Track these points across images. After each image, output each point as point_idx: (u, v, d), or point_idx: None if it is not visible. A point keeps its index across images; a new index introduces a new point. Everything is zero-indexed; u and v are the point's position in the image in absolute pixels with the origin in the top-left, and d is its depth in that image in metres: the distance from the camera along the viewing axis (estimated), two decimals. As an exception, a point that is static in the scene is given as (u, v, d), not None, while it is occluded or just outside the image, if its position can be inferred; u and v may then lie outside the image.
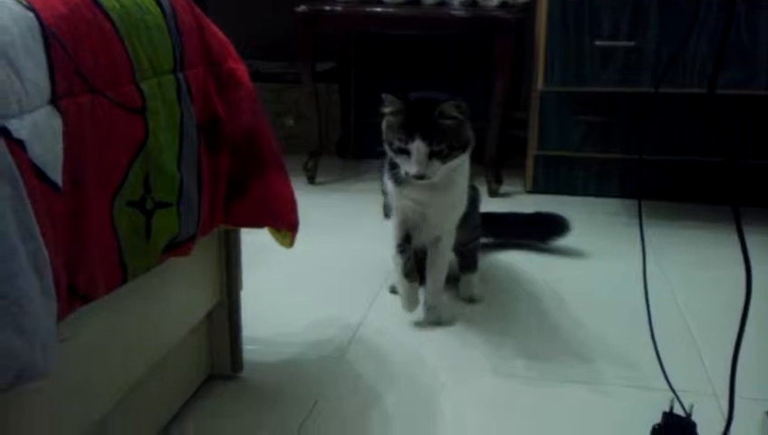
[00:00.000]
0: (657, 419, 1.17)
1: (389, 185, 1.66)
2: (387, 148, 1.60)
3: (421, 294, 1.74)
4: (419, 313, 1.73)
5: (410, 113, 1.55)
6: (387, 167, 1.65)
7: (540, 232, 2.16)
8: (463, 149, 1.59)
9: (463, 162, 1.63)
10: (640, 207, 1.19)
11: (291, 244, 1.36)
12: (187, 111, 1.08)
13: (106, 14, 0.94)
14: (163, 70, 1.04)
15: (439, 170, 1.55)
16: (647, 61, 2.31)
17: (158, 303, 1.17)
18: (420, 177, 1.54)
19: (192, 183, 1.10)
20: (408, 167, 1.55)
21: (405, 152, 1.54)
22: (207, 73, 1.16)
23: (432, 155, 1.53)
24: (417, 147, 1.52)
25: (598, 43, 2.33)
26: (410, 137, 1.52)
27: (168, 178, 1.03)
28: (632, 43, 2.31)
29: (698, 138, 2.57)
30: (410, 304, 1.69)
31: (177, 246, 1.08)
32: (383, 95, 1.58)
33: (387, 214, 1.76)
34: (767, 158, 2.55)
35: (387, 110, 1.59)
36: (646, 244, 1.21)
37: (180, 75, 1.08)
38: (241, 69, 1.21)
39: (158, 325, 1.18)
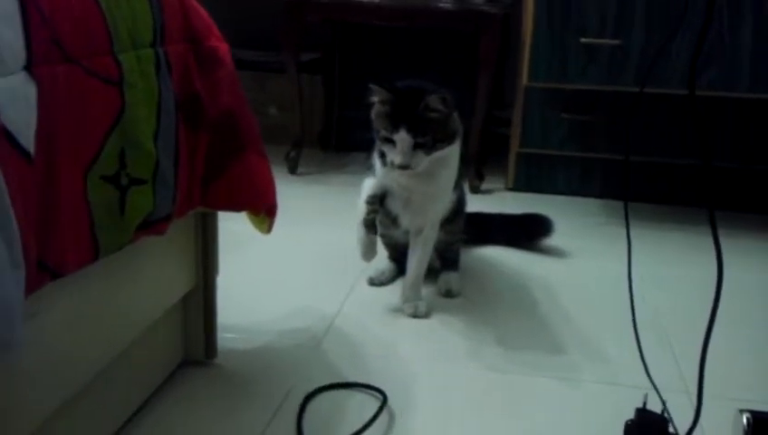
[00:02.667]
0: (631, 414, 1.17)
1: (378, 164, 1.66)
2: (375, 135, 1.60)
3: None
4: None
5: (396, 104, 1.55)
6: (377, 147, 1.65)
7: (525, 234, 2.16)
8: (448, 141, 1.58)
9: (452, 153, 1.63)
10: (626, 207, 1.19)
11: (269, 229, 1.35)
12: (166, 87, 1.06)
13: (85, -17, 0.92)
14: (143, 43, 1.02)
15: (423, 161, 1.55)
16: (632, 59, 2.32)
17: (131, 283, 1.14)
18: (404, 167, 1.54)
19: (168, 161, 1.07)
20: (393, 156, 1.55)
21: (390, 141, 1.55)
22: (188, 50, 1.13)
23: (416, 146, 1.53)
24: (402, 138, 1.52)
25: (583, 40, 2.34)
26: (395, 127, 1.53)
27: (144, 154, 1.01)
28: (618, 42, 2.31)
29: (680, 139, 2.58)
30: (366, 253, 1.68)
31: (152, 225, 1.06)
32: (370, 85, 1.57)
33: (368, 175, 1.73)
34: (749, 161, 2.57)
35: (374, 99, 1.59)
36: (624, 244, 1.21)
37: (160, 50, 1.06)
38: (223, 48, 1.19)
39: (132, 306, 1.16)
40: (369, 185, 1.69)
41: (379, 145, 1.62)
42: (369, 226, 1.67)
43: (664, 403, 1.13)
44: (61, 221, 0.86)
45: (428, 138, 1.54)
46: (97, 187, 0.93)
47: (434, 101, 1.53)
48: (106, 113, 0.94)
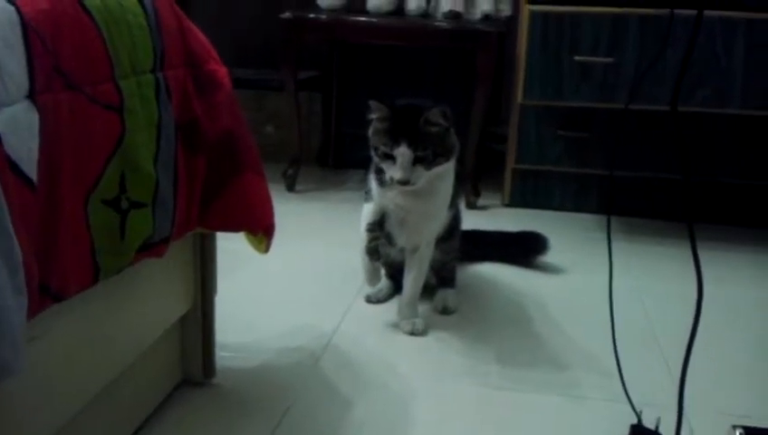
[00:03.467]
0: (626, 431, 1.18)
1: (374, 186, 1.68)
2: (373, 153, 1.62)
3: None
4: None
5: (396, 119, 1.57)
6: (373, 168, 1.67)
7: (521, 251, 2.17)
8: (447, 156, 1.60)
9: (448, 171, 1.65)
10: (609, 222, 1.20)
11: (266, 249, 1.36)
12: (166, 112, 1.08)
13: (87, 11, 0.94)
14: (143, 69, 1.03)
15: (423, 176, 1.57)
16: (625, 77, 2.34)
17: (130, 305, 1.15)
18: (405, 182, 1.55)
19: (168, 184, 1.09)
20: (393, 172, 1.56)
21: (390, 157, 1.56)
22: (187, 74, 1.15)
23: (416, 161, 1.55)
24: (402, 152, 1.54)
25: (577, 58, 2.36)
26: (396, 142, 1.54)
27: (144, 178, 1.03)
28: (611, 60, 2.34)
29: (672, 155, 2.60)
30: (371, 279, 1.73)
31: (151, 247, 1.07)
32: (370, 102, 1.59)
33: (366, 199, 1.75)
34: (744, 176, 2.59)
35: (373, 116, 1.60)
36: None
37: (160, 75, 1.07)
38: (221, 71, 1.21)
39: (130, 328, 1.17)
40: (367, 212, 1.71)
41: (376, 164, 1.63)
42: (372, 253, 1.69)
43: (658, 419, 1.15)
44: (62, 246, 0.87)
45: (429, 152, 1.55)
46: (98, 211, 0.95)
47: (434, 114, 1.55)
48: (107, 139, 0.96)
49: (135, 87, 1.01)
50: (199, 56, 1.19)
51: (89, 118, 0.91)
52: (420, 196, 1.62)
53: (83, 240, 0.92)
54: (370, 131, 1.62)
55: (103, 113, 0.94)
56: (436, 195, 1.66)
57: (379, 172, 1.63)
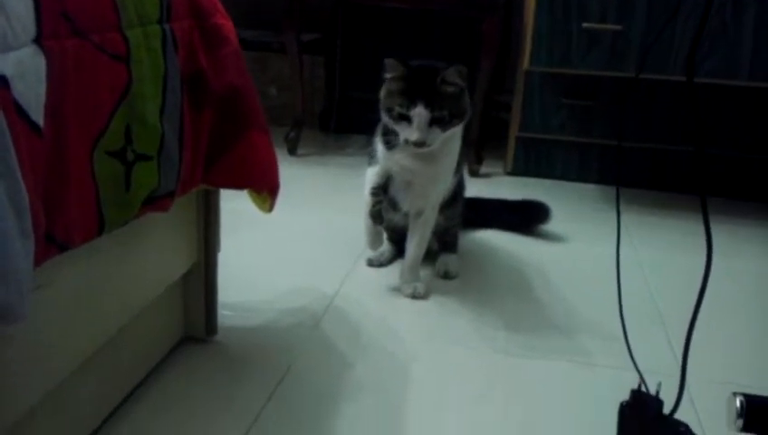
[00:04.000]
0: (626, 396, 1.19)
1: (380, 149, 1.65)
2: (385, 115, 1.58)
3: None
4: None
5: (412, 79, 1.54)
6: (380, 131, 1.65)
7: (523, 220, 2.17)
8: (461, 117, 1.58)
9: (456, 134, 1.63)
10: (618, 192, 1.20)
11: (270, 208, 1.35)
12: (172, 64, 1.06)
13: (94, -42, 0.92)
14: (149, 19, 1.02)
15: (439, 138, 1.55)
16: (633, 45, 2.32)
17: (134, 258, 1.15)
18: (421, 143, 1.53)
19: (173, 138, 1.08)
20: (409, 133, 1.53)
21: (405, 118, 1.53)
22: (194, 26, 1.13)
23: (433, 122, 1.52)
24: (419, 113, 1.51)
25: (585, 25, 2.33)
26: (412, 102, 1.52)
27: (150, 130, 1.01)
28: (620, 27, 2.31)
29: (679, 126, 2.59)
30: (373, 242, 1.71)
31: (156, 201, 1.07)
32: (385, 60, 1.56)
33: (370, 163, 1.73)
34: (750, 150, 2.58)
35: (388, 75, 1.58)
36: (623, 230, 1.22)
37: (167, 26, 1.06)
38: (228, 25, 1.19)
39: (134, 281, 1.17)
40: (371, 175, 1.69)
41: (385, 126, 1.61)
42: (376, 216, 1.67)
43: (659, 385, 1.15)
44: (68, 195, 0.87)
45: (445, 112, 1.53)
46: (103, 162, 0.94)
47: (451, 74, 1.53)
48: (113, 89, 0.94)
49: (141, 37, 0.99)
50: (206, 9, 1.17)
51: (95, 67, 0.90)
52: (428, 158, 1.61)
53: (89, 190, 0.91)
54: (383, 92, 1.59)
55: (110, 63, 0.93)
56: (445, 157, 1.64)
57: (387, 134, 1.61)
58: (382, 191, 1.69)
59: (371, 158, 1.71)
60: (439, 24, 3.06)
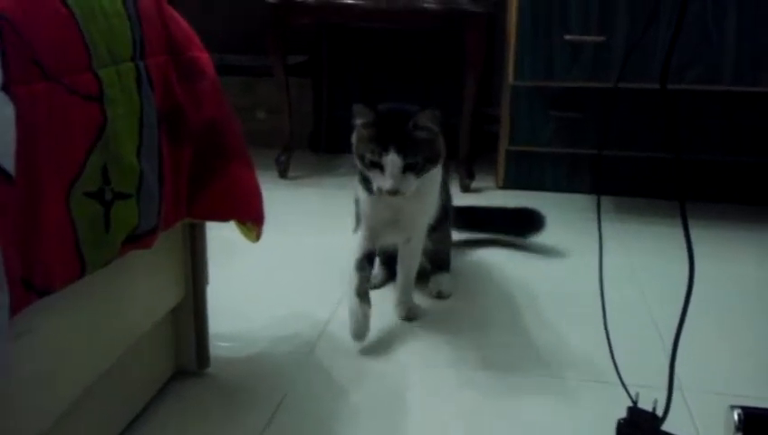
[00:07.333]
0: (623, 413, 1.18)
1: (361, 193, 1.62)
2: (358, 162, 1.53)
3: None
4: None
5: (383, 124, 1.48)
6: (359, 177, 1.61)
7: (518, 227, 2.16)
8: (436, 162, 1.53)
9: (436, 170, 1.59)
10: (599, 201, 1.19)
11: (257, 238, 1.34)
12: (148, 101, 1.06)
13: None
14: (122, 57, 1.01)
15: (413, 185, 1.48)
16: (616, 56, 2.32)
17: (120, 297, 1.14)
18: (394, 192, 1.47)
19: (153, 174, 1.07)
20: (382, 181, 1.47)
21: (378, 166, 1.47)
22: (169, 62, 1.13)
23: (406, 168, 1.46)
24: (392, 160, 1.44)
25: (567, 37, 2.34)
26: (384, 149, 1.45)
27: (128, 168, 1.01)
28: (602, 38, 2.31)
29: (664, 134, 2.59)
30: (359, 329, 1.52)
31: (138, 239, 1.06)
32: (353, 106, 1.50)
33: (357, 228, 1.70)
34: (734, 153, 2.58)
35: (358, 121, 1.52)
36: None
37: (140, 63, 1.05)
38: (204, 57, 1.19)
39: (121, 320, 1.16)
40: (359, 243, 1.62)
41: (360, 173, 1.56)
42: (363, 295, 1.55)
43: (654, 402, 1.14)
44: (44, 239, 0.86)
45: (419, 158, 1.46)
46: (81, 203, 0.93)
47: (423, 117, 1.47)
48: (88, 130, 0.94)
49: (115, 76, 0.99)
50: (181, 43, 1.16)
51: (68, 109, 0.89)
52: (410, 198, 1.54)
53: (66, 233, 0.91)
54: (354, 139, 1.53)
55: (82, 104, 0.92)
56: (426, 195, 1.62)
57: (366, 181, 1.56)
58: (369, 263, 1.61)
59: (357, 222, 1.66)
60: (423, 41, 3.06)
